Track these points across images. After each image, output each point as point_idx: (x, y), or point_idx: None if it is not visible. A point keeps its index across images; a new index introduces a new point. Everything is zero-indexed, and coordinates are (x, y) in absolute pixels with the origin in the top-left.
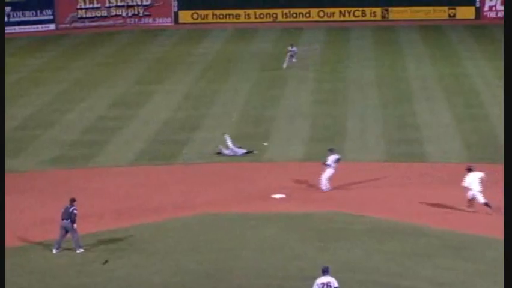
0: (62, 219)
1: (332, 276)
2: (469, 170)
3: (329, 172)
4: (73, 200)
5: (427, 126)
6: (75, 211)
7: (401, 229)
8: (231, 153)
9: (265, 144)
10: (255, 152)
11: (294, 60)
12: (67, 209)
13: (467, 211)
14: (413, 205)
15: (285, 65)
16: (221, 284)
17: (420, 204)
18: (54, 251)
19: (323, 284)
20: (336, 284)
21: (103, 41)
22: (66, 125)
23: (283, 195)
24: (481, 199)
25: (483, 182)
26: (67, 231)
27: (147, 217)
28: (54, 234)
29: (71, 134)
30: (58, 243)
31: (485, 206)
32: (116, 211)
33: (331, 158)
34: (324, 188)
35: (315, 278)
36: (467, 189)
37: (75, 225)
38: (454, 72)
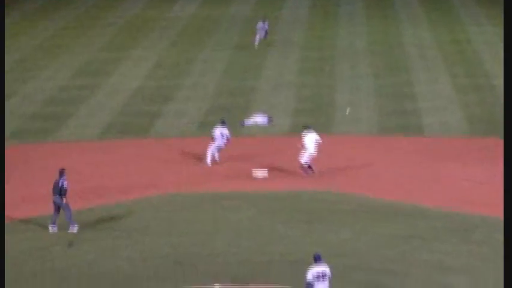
0: (53, 194)
1: (324, 262)
2: (306, 128)
3: (215, 145)
4: (61, 172)
5: (425, 97)
6: (65, 185)
7: (395, 209)
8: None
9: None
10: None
11: (266, 36)
12: (56, 182)
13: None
14: (409, 183)
15: (256, 43)
16: (196, 271)
17: (416, 182)
18: (50, 228)
19: (318, 273)
20: (329, 273)
21: (67, 3)
22: (25, 95)
23: (265, 173)
24: (304, 160)
25: (318, 146)
26: (59, 207)
27: (114, 196)
28: (12, 216)
29: (31, 106)
30: (53, 220)
31: (303, 168)
32: (80, 190)
33: (219, 131)
34: (208, 162)
35: (299, 262)
36: (303, 151)
37: (64, 200)
38: (455, 38)
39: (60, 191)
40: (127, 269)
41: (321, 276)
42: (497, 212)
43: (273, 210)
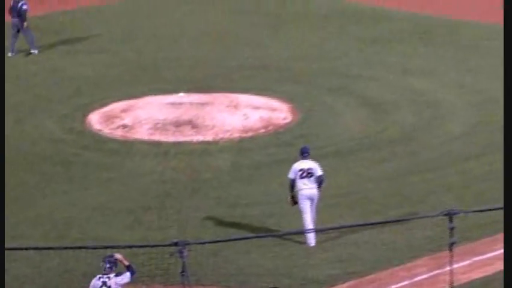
0: (12, 17)
1: (312, 159)
2: None
3: None
4: None
5: None
6: (24, 7)
7: (365, 12)
8: None
9: None
10: None
11: None
12: (14, 3)
13: None
14: None
15: None
16: (160, 76)
17: None
18: (9, 54)
19: (302, 170)
20: (319, 172)
21: None
22: None
23: None
24: None
25: None
26: (18, 30)
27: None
28: None
29: None
30: (12, 46)
31: None
32: None
33: None
34: None
35: (267, 68)
36: None
37: (25, 24)
38: None
39: (19, 14)
40: (91, 75)
41: (306, 174)
42: (471, 15)
43: (239, 12)
